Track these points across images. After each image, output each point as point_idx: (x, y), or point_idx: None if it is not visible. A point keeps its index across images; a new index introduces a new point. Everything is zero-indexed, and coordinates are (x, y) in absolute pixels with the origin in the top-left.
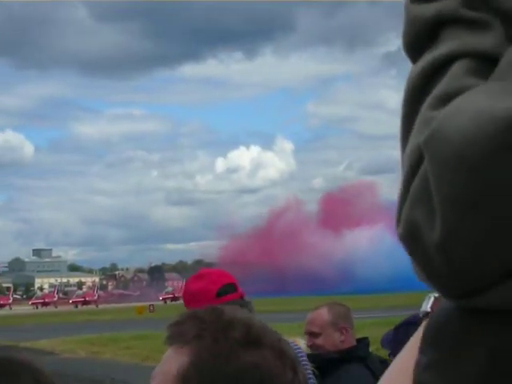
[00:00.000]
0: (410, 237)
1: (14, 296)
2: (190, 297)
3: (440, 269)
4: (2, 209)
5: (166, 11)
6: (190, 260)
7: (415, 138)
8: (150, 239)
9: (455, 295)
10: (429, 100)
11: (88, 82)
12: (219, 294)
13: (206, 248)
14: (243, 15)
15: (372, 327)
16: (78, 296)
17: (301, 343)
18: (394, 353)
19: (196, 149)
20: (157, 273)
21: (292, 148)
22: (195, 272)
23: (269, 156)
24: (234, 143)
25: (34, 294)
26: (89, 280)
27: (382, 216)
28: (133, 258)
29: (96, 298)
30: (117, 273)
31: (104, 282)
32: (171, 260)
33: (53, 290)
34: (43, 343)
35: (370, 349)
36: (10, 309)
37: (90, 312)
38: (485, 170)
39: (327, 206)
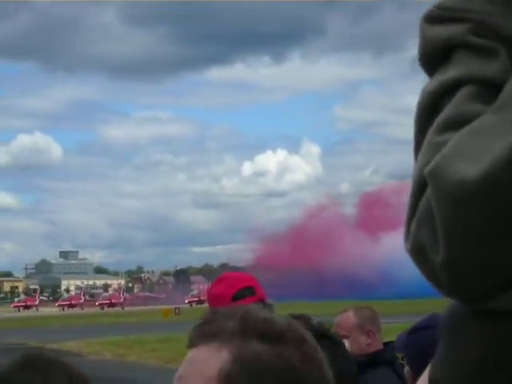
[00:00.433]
0: (417, 253)
1: (41, 297)
2: (211, 300)
3: (445, 284)
4: (29, 210)
5: (194, 15)
6: (215, 263)
7: (422, 159)
8: (177, 242)
9: (463, 302)
10: (435, 124)
11: (116, 85)
12: (235, 298)
13: (231, 251)
14: (271, 19)
15: (398, 332)
16: (104, 298)
17: None
18: (407, 357)
19: (223, 152)
20: (182, 276)
21: (319, 152)
22: (221, 275)
23: (295, 160)
24: (260, 147)
25: (60, 296)
26: (115, 282)
27: None
28: (159, 261)
29: (122, 300)
30: (143, 275)
31: (130, 285)
32: (197, 263)
33: (79, 292)
34: (69, 345)
35: None
36: (37, 310)
37: (116, 314)
38: (481, 208)
39: (365, 207)
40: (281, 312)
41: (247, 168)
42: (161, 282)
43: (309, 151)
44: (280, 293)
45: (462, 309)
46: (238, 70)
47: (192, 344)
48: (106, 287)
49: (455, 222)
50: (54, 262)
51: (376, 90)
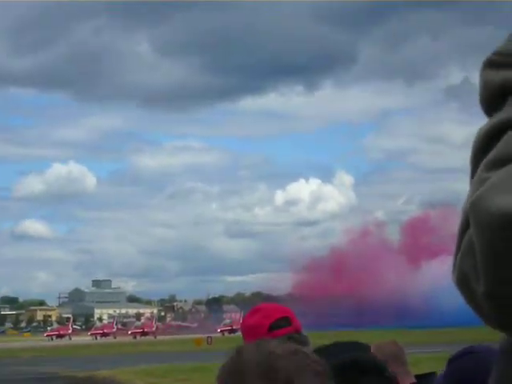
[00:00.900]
0: (462, 284)
1: (74, 326)
2: (245, 331)
3: (489, 315)
4: (63, 239)
5: (226, 45)
6: (248, 292)
7: (469, 194)
8: (209, 271)
9: (508, 333)
10: (484, 162)
11: (149, 114)
12: (271, 328)
13: (264, 280)
14: (303, 48)
15: (429, 361)
16: (136, 327)
17: None
18: None
19: (255, 181)
20: (215, 305)
21: (351, 181)
22: (253, 304)
23: (328, 189)
24: (293, 176)
25: (93, 325)
26: (147, 311)
27: None
28: (191, 290)
29: (154, 329)
30: (175, 304)
31: (162, 314)
32: (229, 292)
33: (112, 320)
34: (102, 374)
35: None
36: (70, 339)
37: (149, 343)
38: (509, 245)
39: (409, 234)
40: (322, 341)
41: (279, 197)
42: (193, 310)
43: (341, 180)
44: (320, 322)
45: (509, 340)
46: (271, 99)
47: None
48: (138, 316)
49: (493, 251)
50: (86, 290)
51: (408, 119)
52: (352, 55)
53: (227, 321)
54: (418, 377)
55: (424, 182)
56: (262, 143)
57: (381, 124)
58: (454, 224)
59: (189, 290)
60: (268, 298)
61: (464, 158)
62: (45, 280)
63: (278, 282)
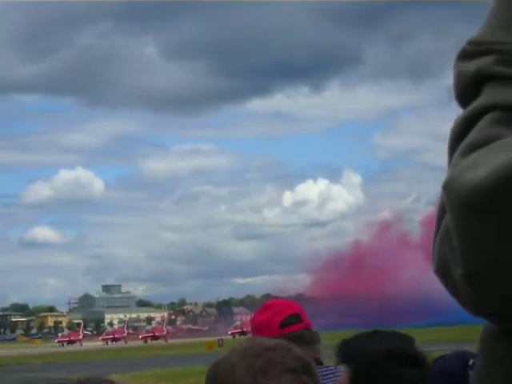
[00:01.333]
0: (441, 271)
1: (85, 332)
2: (256, 328)
3: (468, 299)
4: (72, 245)
5: (233, 48)
6: (258, 294)
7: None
8: (218, 274)
9: (491, 320)
10: (459, 148)
11: (156, 118)
12: (283, 325)
13: (274, 282)
14: (309, 49)
15: None
16: (147, 331)
17: None
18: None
19: (263, 183)
20: (225, 307)
21: (360, 180)
22: (266, 303)
23: (337, 189)
24: (301, 176)
25: (104, 330)
26: (158, 315)
27: None
28: (201, 293)
29: (165, 333)
30: (185, 308)
31: (173, 317)
32: (239, 294)
33: (122, 325)
34: (114, 378)
35: None
36: (81, 345)
37: (160, 347)
38: (487, 218)
39: (428, 230)
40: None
41: (288, 198)
42: (203, 313)
43: (350, 180)
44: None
45: (490, 331)
46: (278, 101)
47: None
48: (149, 320)
49: (467, 229)
50: (96, 296)
51: (415, 118)
52: (358, 55)
53: (237, 323)
54: None
55: (432, 180)
56: (270, 145)
57: (388, 123)
58: None
59: (199, 293)
60: (277, 299)
61: None
62: (55, 286)
63: (288, 284)
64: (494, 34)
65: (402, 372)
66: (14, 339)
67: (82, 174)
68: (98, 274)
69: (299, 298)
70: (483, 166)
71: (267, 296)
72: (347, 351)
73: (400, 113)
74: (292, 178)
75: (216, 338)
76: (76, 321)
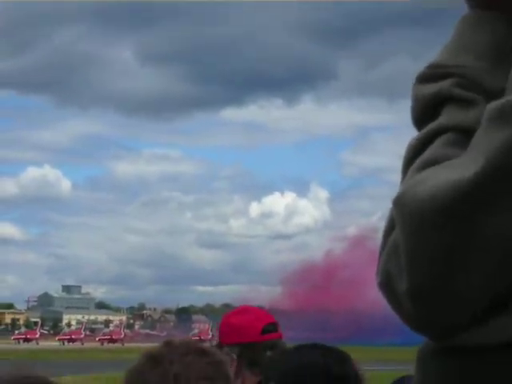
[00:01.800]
0: (386, 286)
1: (42, 331)
2: (234, 330)
3: (411, 315)
4: (34, 243)
5: (209, 56)
6: (217, 303)
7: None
8: (180, 280)
9: (431, 337)
10: (414, 164)
11: (128, 121)
12: (263, 331)
13: (235, 292)
14: (285, 62)
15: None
16: (104, 334)
17: None
18: None
19: (231, 192)
20: (184, 314)
21: (327, 196)
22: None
23: (303, 203)
24: (269, 188)
25: (61, 330)
26: (116, 318)
27: None
28: (161, 299)
29: (122, 336)
30: (144, 312)
31: (131, 321)
32: (199, 302)
33: (80, 326)
34: (68, 379)
35: None
36: (37, 343)
37: (116, 350)
38: (435, 233)
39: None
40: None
41: (255, 209)
42: (162, 319)
43: (317, 195)
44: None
45: (425, 350)
46: (251, 112)
47: None
48: (107, 323)
49: (414, 245)
50: (56, 295)
51: (386, 136)
52: (333, 71)
53: (196, 331)
54: None
55: None
56: (240, 155)
57: (358, 140)
58: None
59: (159, 298)
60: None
61: None
62: (14, 283)
63: (249, 294)
64: (454, 57)
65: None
66: None
67: (49, 172)
68: (58, 273)
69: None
70: (434, 182)
71: (227, 305)
72: (268, 368)
73: (371, 131)
74: (260, 190)
75: None
76: (34, 319)
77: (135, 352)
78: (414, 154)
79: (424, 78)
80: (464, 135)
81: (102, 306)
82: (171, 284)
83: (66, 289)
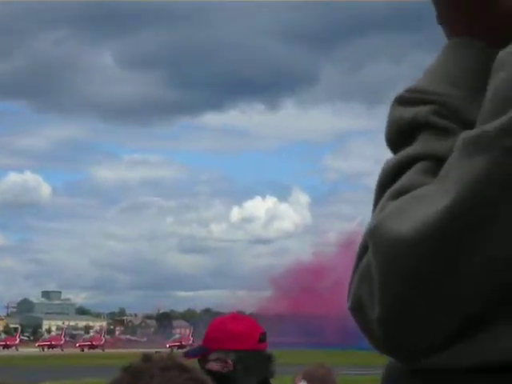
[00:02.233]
0: (357, 310)
1: (21, 337)
2: (228, 336)
3: (381, 342)
4: (15, 249)
5: (190, 61)
6: (198, 308)
7: (371, 221)
8: (161, 286)
9: (400, 360)
10: (388, 191)
11: (108, 126)
12: (260, 340)
13: (215, 297)
14: (266, 67)
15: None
16: (84, 340)
17: None
18: None
19: (212, 197)
20: (165, 320)
21: (308, 200)
22: (204, 321)
23: (284, 207)
24: (250, 193)
25: (41, 336)
26: (97, 324)
27: None
28: (142, 304)
29: (103, 342)
30: (125, 318)
31: (112, 327)
32: (180, 307)
33: (60, 332)
34: None
35: None
36: (17, 349)
37: (96, 356)
38: (408, 265)
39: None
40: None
41: (236, 214)
42: (143, 325)
43: (297, 200)
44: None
45: (394, 368)
46: (232, 117)
47: None
48: (87, 329)
49: (388, 276)
50: (36, 301)
51: (367, 141)
52: (314, 76)
53: (177, 336)
54: None
55: None
56: (221, 159)
57: (339, 145)
58: None
59: (139, 304)
60: (218, 315)
61: None
62: None
63: (229, 300)
64: (433, 84)
65: None
66: None
67: (29, 177)
68: (38, 279)
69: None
70: (407, 217)
71: (207, 311)
72: None
73: (352, 136)
74: (241, 194)
75: (154, 350)
76: (13, 325)
77: (116, 358)
78: (388, 179)
79: (402, 101)
80: (439, 164)
81: (82, 311)
82: (152, 289)
83: (46, 294)
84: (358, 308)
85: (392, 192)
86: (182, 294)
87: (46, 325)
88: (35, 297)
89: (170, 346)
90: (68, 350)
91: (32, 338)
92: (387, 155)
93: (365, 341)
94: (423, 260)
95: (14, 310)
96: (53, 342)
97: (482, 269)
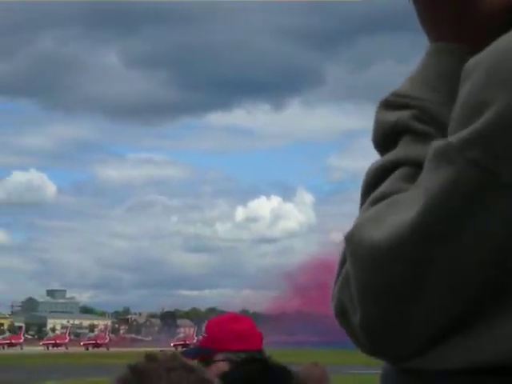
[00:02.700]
0: (340, 315)
1: (26, 336)
2: (234, 337)
3: (365, 345)
4: (20, 248)
5: (195, 61)
6: (203, 307)
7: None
8: (165, 284)
9: (388, 362)
10: (371, 196)
11: (114, 126)
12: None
13: (220, 296)
14: (272, 67)
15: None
16: (89, 338)
17: None
18: None
19: (217, 196)
20: (169, 319)
21: (312, 200)
22: (208, 319)
23: (289, 207)
24: (255, 192)
25: (46, 335)
26: (101, 323)
27: None
28: (146, 303)
29: (107, 341)
30: (129, 317)
31: (116, 326)
32: (185, 306)
33: (65, 331)
34: None
35: None
36: (21, 348)
37: (100, 355)
38: (384, 272)
39: None
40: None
41: (240, 213)
42: (147, 324)
43: (302, 199)
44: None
45: (391, 366)
46: (237, 116)
47: None
48: (92, 327)
49: (365, 283)
50: (40, 300)
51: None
52: (320, 75)
53: (181, 335)
54: None
55: None
56: (226, 159)
57: (345, 145)
58: None
59: (144, 302)
60: (222, 314)
61: None
62: None
63: (234, 299)
64: (416, 89)
65: None
66: None
67: (35, 176)
68: (43, 278)
69: (244, 313)
70: (380, 225)
71: (212, 310)
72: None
73: (357, 136)
74: (246, 194)
75: (158, 349)
76: (18, 324)
77: (120, 357)
78: (372, 182)
79: (387, 105)
80: (420, 169)
81: (86, 310)
82: (156, 288)
83: (51, 293)
84: (341, 314)
85: (372, 198)
86: (187, 293)
87: (50, 323)
88: (40, 295)
89: (174, 345)
90: (72, 349)
91: (36, 336)
92: None
93: None
94: (394, 268)
95: (19, 308)
96: (57, 341)
97: (454, 275)
